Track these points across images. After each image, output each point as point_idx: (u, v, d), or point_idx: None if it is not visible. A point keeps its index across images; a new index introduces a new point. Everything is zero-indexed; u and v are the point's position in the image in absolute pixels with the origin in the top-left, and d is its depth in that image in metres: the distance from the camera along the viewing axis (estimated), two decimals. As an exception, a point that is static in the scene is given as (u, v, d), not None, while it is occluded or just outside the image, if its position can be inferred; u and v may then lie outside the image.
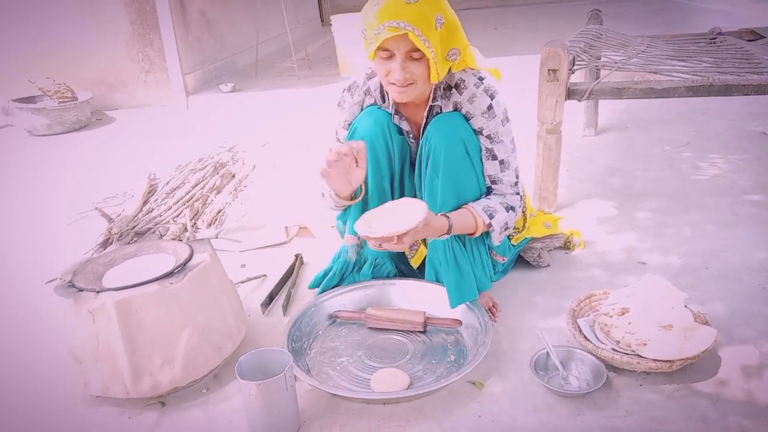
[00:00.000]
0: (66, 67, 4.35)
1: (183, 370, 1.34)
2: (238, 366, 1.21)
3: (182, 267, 1.39)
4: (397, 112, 1.58)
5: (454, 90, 1.50)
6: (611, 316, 1.46)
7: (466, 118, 1.50)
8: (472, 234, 1.50)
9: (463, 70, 1.50)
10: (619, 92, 1.93)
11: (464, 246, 1.55)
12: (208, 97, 4.44)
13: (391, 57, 1.37)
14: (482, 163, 1.52)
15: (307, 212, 2.23)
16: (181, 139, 3.54)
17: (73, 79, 4.28)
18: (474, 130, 1.50)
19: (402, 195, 1.61)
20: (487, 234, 1.55)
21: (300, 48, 5.50)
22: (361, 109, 1.60)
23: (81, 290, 1.32)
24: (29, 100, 4.12)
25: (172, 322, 1.32)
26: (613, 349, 1.33)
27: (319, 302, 1.63)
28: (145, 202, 2.46)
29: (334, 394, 1.33)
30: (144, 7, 4.27)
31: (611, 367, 1.34)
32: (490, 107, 1.47)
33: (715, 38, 2.64)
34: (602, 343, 1.37)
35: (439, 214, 1.45)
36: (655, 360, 1.27)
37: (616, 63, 2.16)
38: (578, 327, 1.43)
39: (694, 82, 1.86)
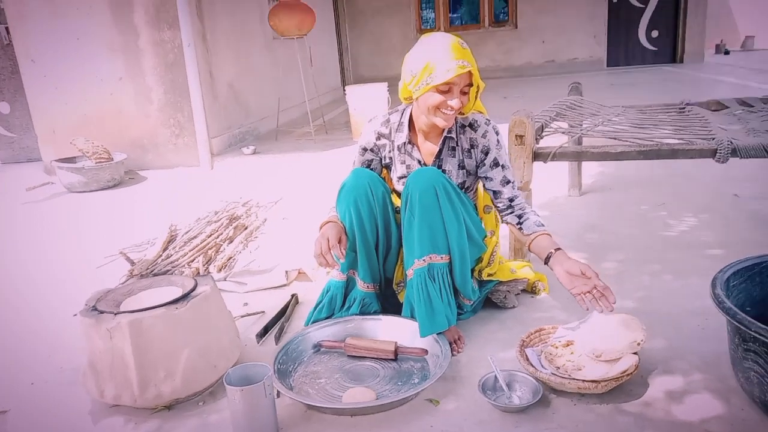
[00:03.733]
0: (106, 130, 4.81)
1: (183, 383, 1.57)
2: (227, 376, 1.45)
3: (186, 296, 1.65)
4: (410, 142, 1.89)
5: (468, 128, 1.85)
6: (557, 347, 1.66)
7: (485, 153, 1.85)
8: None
9: (472, 112, 1.86)
10: (578, 155, 2.19)
11: (435, 287, 1.79)
12: (232, 159, 4.83)
13: (449, 91, 1.69)
14: (456, 203, 1.76)
15: (306, 258, 2.49)
16: (203, 196, 3.88)
17: (111, 140, 4.73)
18: (493, 162, 1.85)
19: (387, 236, 1.88)
20: (452, 275, 1.80)
21: (319, 115, 5.93)
22: (377, 138, 1.93)
23: (102, 312, 1.59)
24: (70, 160, 4.55)
25: (175, 341, 1.57)
26: (552, 373, 1.53)
27: (305, 333, 1.86)
28: (164, 249, 2.75)
29: (309, 407, 1.54)
30: (177, 78, 4.75)
31: (551, 389, 1.53)
32: (498, 141, 1.84)
33: (683, 108, 2.90)
34: (544, 368, 1.57)
35: (553, 249, 1.74)
36: (583, 380, 1.46)
37: (581, 130, 2.42)
38: (525, 355, 1.63)
39: (645, 147, 2.11)
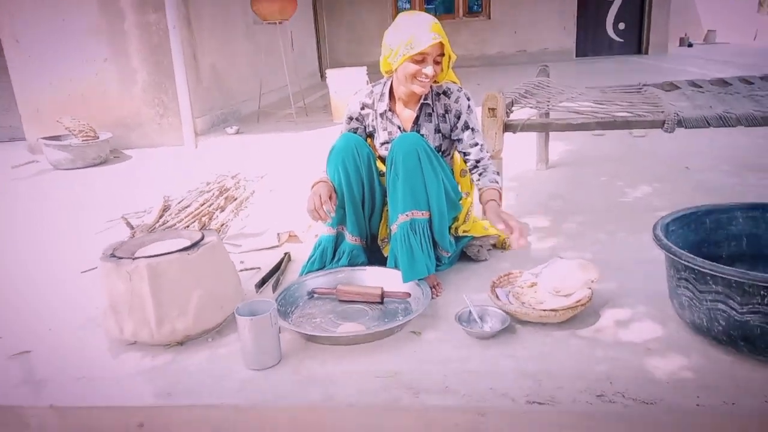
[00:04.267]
0: (90, 109, 4.92)
1: (194, 321, 1.77)
2: (237, 309, 1.65)
3: (196, 244, 1.85)
4: (390, 110, 2.12)
5: (442, 95, 2.09)
6: (522, 288, 1.91)
7: (458, 117, 2.07)
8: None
9: (446, 81, 2.10)
10: (544, 126, 2.44)
11: (417, 239, 2.02)
12: (215, 139, 4.98)
13: (423, 61, 1.92)
14: (436, 165, 1.99)
15: (295, 222, 2.70)
16: (189, 172, 4.04)
17: (95, 120, 4.84)
18: (464, 125, 2.08)
19: (372, 194, 2.10)
20: (431, 229, 2.04)
21: (299, 98, 6.10)
22: (361, 107, 2.16)
23: (120, 258, 1.78)
24: (56, 138, 4.65)
25: (187, 283, 1.77)
26: (518, 307, 1.78)
27: (300, 281, 2.08)
28: (160, 216, 2.93)
29: (307, 339, 1.76)
30: (162, 60, 4.87)
31: (517, 320, 1.78)
32: (469, 106, 2.08)
33: (641, 89, 3.17)
34: (510, 303, 1.81)
35: (489, 200, 1.98)
36: (543, 310, 1.71)
37: (547, 105, 2.67)
38: (496, 293, 1.87)
39: (602, 119, 2.36)
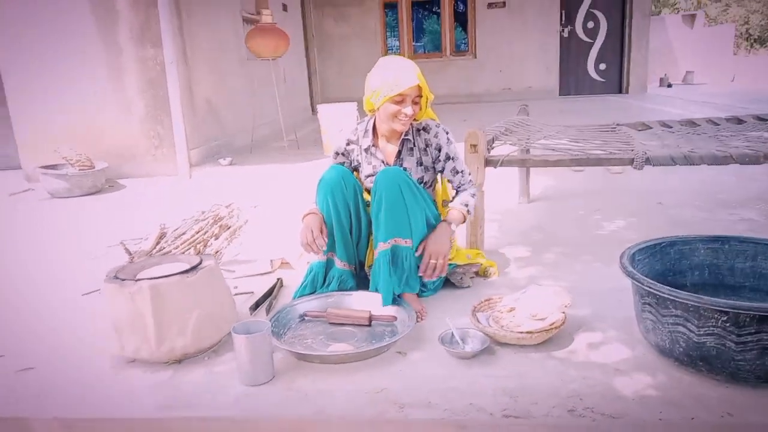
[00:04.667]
0: (87, 139, 5.05)
1: (192, 340, 1.88)
2: (234, 328, 1.76)
3: (195, 267, 1.96)
4: (374, 145, 2.29)
5: (422, 131, 2.27)
6: (502, 312, 2.03)
7: (439, 150, 2.26)
8: (463, 221, 2.28)
9: (425, 119, 2.29)
10: (522, 162, 2.61)
11: (396, 263, 2.15)
12: (209, 169, 5.12)
13: (403, 102, 2.10)
14: (417, 196, 2.14)
15: (287, 249, 2.82)
16: (184, 202, 4.16)
17: (91, 149, 4.96)
18: (445, 157, 2.27)
19: (359, 222, 2.25)
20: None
21: (290, 132, 6.28)
22: (347, 144, 2.35)
23: (124, 280, 1.89)
24: (53, 167, 4.76)
25: (187, 304, 1.88)
26: (496, 330, 1.90)
27: (292, 305, 2.19)
28: (157, 243, 3.03)
29: (299, 358, 1.87)
30: (158, 93, 5.03)
31: (496, 342, 1.90)
32: (448, 138, 2.26)
33: (615, 128, 3.37)
34: (490, 326, 1.94)
35: (444, 219, 2.25)
36: (520, 332, 1.84)
37: (526, 143, 2.85)
38: (476, 317, 2.00)
39: (575, 156, 2.54)
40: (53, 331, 2.20)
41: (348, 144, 2.36)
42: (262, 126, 6.58)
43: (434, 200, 2.36)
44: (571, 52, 10.87)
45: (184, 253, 2.89)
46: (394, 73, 2.10)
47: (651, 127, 3.36)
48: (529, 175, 3.68)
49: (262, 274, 2.70)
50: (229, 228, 3.40)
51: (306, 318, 2.17)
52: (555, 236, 3.03)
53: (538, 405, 1.58)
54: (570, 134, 3.15)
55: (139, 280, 1.88)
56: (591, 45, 10.84)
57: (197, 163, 5.24)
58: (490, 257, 2.67)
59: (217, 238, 3.20)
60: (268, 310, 2.27)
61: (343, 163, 2.38)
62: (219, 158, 5.31)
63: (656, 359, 1.78)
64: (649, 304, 1.71)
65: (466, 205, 2.28)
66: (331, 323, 2.13)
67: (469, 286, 2.41)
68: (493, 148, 2.77)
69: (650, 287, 1.64)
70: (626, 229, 3.10)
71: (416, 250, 2.17)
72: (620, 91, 11.00)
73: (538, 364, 1.79)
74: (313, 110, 9.86)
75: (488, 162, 2.60)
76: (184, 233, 3.23)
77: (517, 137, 2.98)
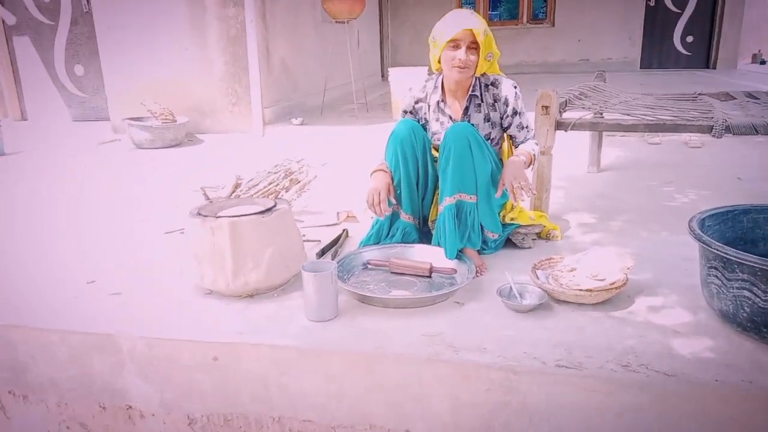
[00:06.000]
0: (170, 95, 5.31)
1: (265, 275, 2.01)
2: (303, 266, 1.88)
3: (270, 209, 2.08)
4: (442, 101, 2.32)
5: (491, 86, 2.30)
6: (562, 272, 2.05)
7: (506, 104, 2.28)
8: (529, 165, 2.28)
9: (494, 74, 2.32)
10: (593, 126, 2.57)
11: (460, 218, 2.20)
12: (281, 128, 5.28)
13: (457, 47, 2.14)
14: (485, 152, 2.18)
15: (354, 204, 2.92)
16: (257, 157, 4.34)
17: (173, 104, 5.22)
18: (512, 111, 2.29)
19: (426, 176, 2.31)
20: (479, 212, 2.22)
21: (360, 96, 6.35)
22: (415, 102, 2.39)
23: (206, 216, 2.03)
24: (138, 119, 5.05)
25: (261, 241, 2.01)
26: (554, 288, 1.93)
27: (357, 252, 2.29)
28: (233, 191, 3.21)
29: (362, 299, 1.97)
30: (237, 51, 5.21)
31: (554, 299, 1.93)
32: (516, 93, 2.28)
33: (696, 97, 3.24)
34: (549, 283, 1.97)
35: (519, 156, 2.24)
36: (579, 289, 1.86)
37: (600, 107, 2.80)
38: (536, 275, 2.03)
39: (651, 121, 2.48)
40: (139, 263, 2.39)
41: (416, 102, 2.41)
42: (333, 88, 6.69)
43: (501, 158, 2.38)
44: (656, 23, 10.32)
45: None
46: (449, 21, 2.15)
47: (735, 98, 3.21)
48: (601, 143, 3.61)
49: (328, 225, 2.82)
50: (299, 182, 3.54)
51: (369, 266, 2.26)
52: (622, 204, 2.98)
53: (592, 358, 1.61)
54: (647, 102, 3.06)
55: (219, 217, 2.02)
56: (679, 15, 10.24)
57: (270, 121, 5.42)
58: (554, 222, 2.67)
59: (287, 191, 3.34)
60: (333, 257, 2.38)
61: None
62: (291, 118, 5.46)
63: (718, 325, 1.76)
64: (715, 268, 1.69)
65: (532, 151, 2.29)
66: (393, 272, 2.21)
67: (530, 247, 2.43)
68: (565, 111, 2.74)
69: (718, 249, 1.62)
70: (699, 201, 3.00)
71: (497, 192, 2.21)
72: (707, 66, 10.39)
73: (595, 321, 1.81)
74: (383, 75, 9.88)
75: (559, 125, 2.58)
76: (257, 184, 3.39)
77: (591, 102, 2.92)
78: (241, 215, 2.01)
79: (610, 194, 3.16)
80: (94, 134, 5.46)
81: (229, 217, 2.00)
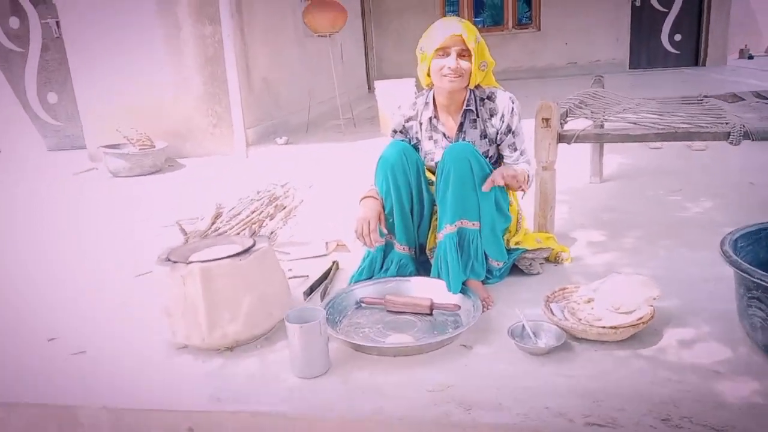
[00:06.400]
0: (147, 119, 5.08)
1: (244, 326, 1.77)
2: (287, 316, 1.65)
3: (248, 250, 1.85)
4: (435, 117, 2.12)
5: (486, 99, 2.08)
6: (578, 303, 1.84)
7: (502, 120, 2.07)
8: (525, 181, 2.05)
9: (489, 86, 2.11)
10: (599, 137, 2.36)
11: (463, 247, 1.98)
12: (265, 149, 5.06)
13: (446, 54, 1.94)
14: (487, 174, 1.96)
15: (344, 231, 2.69)
16: (241, 181, 4.11)
17: (151, 129, 4.99)
18: (506, 129, 2.07)
19: (420, 202, 2.09)
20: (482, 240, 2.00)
21: (347, 110, 6.15)
22: (405, 120, 2.18)
23: (175, 262, 1.80)
24: (115, 146, 4.81)
25: (239, 288, 1.77)
26: (574, 323, 1.71)
27: (349, 290, 2.06)
28: (213, 223, 2.97)
29: (355, 348, 1.74)
30: (216, 70, 4.99)
31: (573, 337, 1.71)
32: (513, 109, 2.06)
33: (701, 100, 3.05)
34: (566, 319, 1.75)
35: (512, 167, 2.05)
36: (603, 327, 1.64)
37: (603, 115, 2.59)
38: (550, 308, 1.81)
39: (662, 130, 2.28)
40: (108, 313, 2.16)
41: (407, 120, 2.20)
42: (319, 104, 6.48)
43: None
44: (643, 23, 10.21)
45: (239, 233, 2.82)
46: (436, 28, 1.98)
47: (743, 99, 3.02)
48: (602, 153, 3.41)
49: (317, 257, 2.59)
50: (285, 208, 3.31)
51: (363, 305, 2.04)
52: (632, 218, 2.77)
53: (625, 412, 1.39)
54: (651, 107, 2.86)
55: (190, 262, 1.79)
56: (666, 14, 10.13)
57: (254, 142, 5.19)
58: (562, 242, 2.46)
59: (272, 219, 3.11)
60: (323, 296, 2.15)
61: (402, 141, 2.22)
62: (275, 137, 5.24)
63: (763, 361, 1.55)
64: (757, 299, 1.48)
65: (525, 171, 2.08)
66: (389, 311, 1.99)
67: (539, 273, 2.21)
68: (566, 123, 2.54)
69: (762, 279, 1.41)
70: (713, 210, 2.80)
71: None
72: (696, 64, 10.28)
73: (622, 364, 1.59)
74: (370, 87, 9.71)
75: (562, 137, 2.38)
76: (239, 213, 3.16)
77: (592, 110, 2.72)
78: (215, 259, 1.78)
79: (617, 207, 2.95)
80: (70, 164, 5.21)
81: (201, 262, 1.77)
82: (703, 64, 10.17)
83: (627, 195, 3.16)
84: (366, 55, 10.24)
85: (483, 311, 1.93)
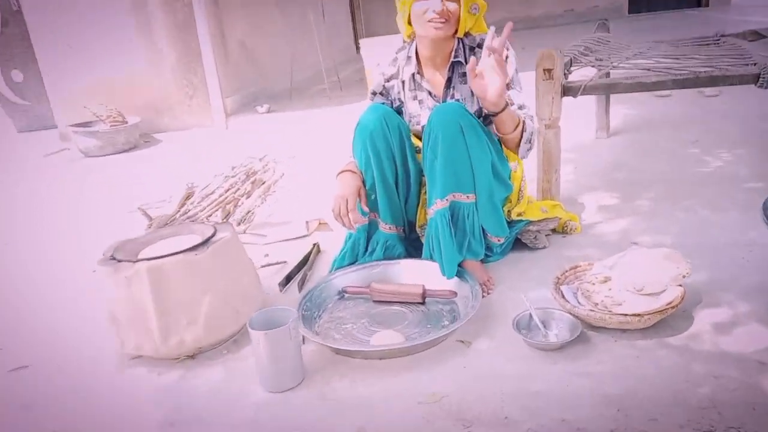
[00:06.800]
0: (119, 94, 4.75)
1: (205, 330, 1.52)
2: (250, 321, 1.39)
3: (206, 241, 1.59)
4: (418, 73, 1.82)
5: (477, 48, 1.77)
6: (593, 284, 1.58)
7: None
8: (515, 128, 1.68)
9: (479, 34, 1.79)
10: (610, 88, 2.07)
11: (457, 224, 1.72)
12: (246, 118, 4.75)
13: None
14: (483, 139, 1.67)
15: (326, 209, 2.42)
16: (219, 154, 3.81)
17: (126, 104, 4.66)
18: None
19: (406, 174, 1.81)
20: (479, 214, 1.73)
21: (333, 73, 5.80)
22: (386, 80, 1.89)
23: (120, 261, 1.54)
24: (85, 125, 4.50)
25: (196, 287, 1.52)
26: (591, 310, 1.45)
27: (329, 279, 1.80)
28: (182, 205, 2.70)
29: (335, 352, 1.49)
30: (187, 38, 4.64)
31: (589, 326, 1.46)
32: (507, 57, 1.69)
33: (718, 40, 2.73)
34: (581, 304, 1.49)
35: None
36: (624, 314, 1.38)
37: (612, 62, 2.29)
38: (561, 292, 1.55)
39: (680, 75, 1.98)
40: (59, 317, 1.90)
41: (387, 80, 1.90)
42: (302, 68, 6.12)
43: (498, 139, 1.85)
44: (642, -37, 9.72)
45: (210, 216, 2.55)
46: None
47: (765, 36, 2.70)
48: (608, 104, 3.10)
49: (297, 238, 2.33)
50: (263, 184, 3.03)
51: (346, 295, 1.78)
52: (646, 176, 2.50)
53: (658, 423, 1.14)
54: (663, 51, 2.55)
55: (137, 260, 1.52)
56: (665, -48, 9.64)
57: (234, 111, 4.88)
58: (569, 208, 2.19)
59: (249, 197, 2.84)
60: (301, 286, 1.90)
61: (383, 104, 1.93)
62: (256, 106, 4.92)
63: (818, 348, 1.30)
64: (813, 276, 1.21)
65: (523, 117, 1.72)
66: (375, 301, 1.73)
67: (545, 247, 1.95)
68: (570, 73, 2.24)
69: (822, 255, 1.15)
70: (735, 163, 2.52)
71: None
72: (699, 5, 9.82)
73: (649, 357, 1.34)
74: (357, 48, 9.27)
75: (566, 90, 2.08)
76: (213, 192, 2.89)
77: (598, 57, 2.41)
78: (164, 255, 1.52)
79: (629, 163, 2.67)
80: (41, 145, 4.91)
81: (149, 260, 1.51)
82: (706, 5, 9.71)
83: (638, 150, 2.87)
84: (352, 13, 9.77)
85: (483, 296, 1.68)
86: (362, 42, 4.98)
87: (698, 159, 2.63)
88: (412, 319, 1.63)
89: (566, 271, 1.64)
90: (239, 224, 2.50)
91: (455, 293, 1.67)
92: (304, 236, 2.34)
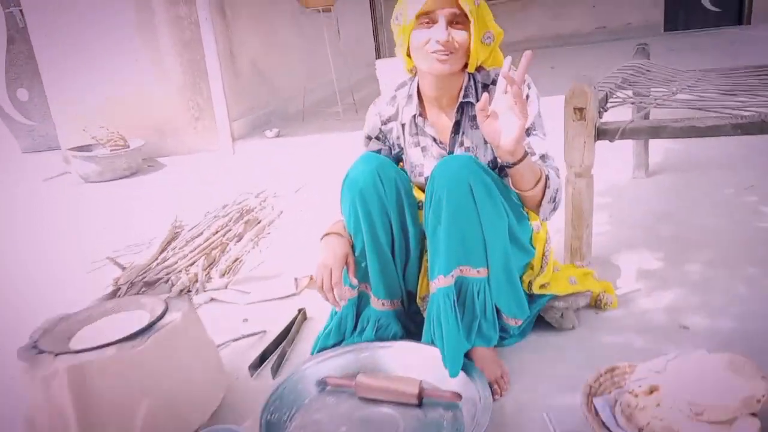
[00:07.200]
0: (124, 115, 4.53)
1: (142, 444, 1.22)
2: (188, 445, 1.08)
3: (149, 328, 1.29)
4: (421, 115, 1.51)
5: (492, 86, 1.43)
6: (636, 396, 1.22)
7: None
8: (535, 184, 1.34)
9: (494, 68, 1.46)
10: (655, 132, 1.71)
11: (464, 303, 1.39)
12: (254, 143, 4.49)
13: (433, 23, 1.33)
14: (497, 199, 1.35)
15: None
16: (222, 183, 3.54)
17: (129, 126, 4.44)
18: None
19: (404, 237, 1.49)
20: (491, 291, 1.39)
21: (349, 94, 5.51)
22: (382, 122, 1.57)
23: (41, 352, 1.24)
24: (84, 148, 4.28)
25: (130, 391, 1.21)
26: (634, 439, 1.10)
27: (305, 367, 1.48)
28: (162, 250, 2.42)
29: (302, 479, 1.17)
30: (195, 57, 4.41)
31: (632, 460, 1.11)
32: (528, 96, 1.39)
33: (780, 69, 2.35)
34: (621, 429, 1.14)
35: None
36: (681, 455, 1.03)
37: (656, 99, 1.93)
38: (593, 409, 1.20)
39: (743, 119, 1.62)
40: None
41: (384, 123, 1.58)
42: (317, 88, 5.85)
43: (516, 194, 1.50)
44: (679, -22, 9.26)
45: (191, 266, 2.26)
46: None
47: (837, 65, 2.31)
48: (647, 140, 2.73)
49: (283, 298, 2.02)
50: (258, 223, 2.75)
51: (326, 387, 1.46)
52: (695, 231, 2.12)
53: None
54: (715, 83, 2.18)
55: (59, 353, 1.23)
56: (705, -33, 9.18)
57: (242, 135, 4.63)
58: (603, 272, 1.84)
59: (239, 239, 2.56)
60: (275, 369, 1.58)
61: (379, 151, 1.61)
62: (267, 129, 4.66)
63: None
64: None
65: (548, 178, 1.37)
66: (361, 398, 1.41)
67: (573, 327, 1.60)
68: (605, 111, 1.89)
69: None
70: (803, 217, 2.14)
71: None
72: (740, 22, 9.29)
73: None
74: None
75: (601, 133, 1.74)
76: (201, 233, 2.61)
77: (638, 91, 2.07)
78: (93, 349, 1.21)
79: (674, 214, 2.29)
80: (43, 167, 4.71)
81: (73, 354, 1.21)
82: (748, 23, 9.18)
83: (683, 195, 2.49)
84: (375, 30, 9.50)
85: (495, 399, 1.34)
86: (378, 63, 4.71)
87: (755, 211, 2.24)
88: (405, 428, 1.30)
89: (601, 375, 1.29)
90: (223, 275, 2.21)
91: (459, 396, 1.33)
92: (293, 295, 2.03)
